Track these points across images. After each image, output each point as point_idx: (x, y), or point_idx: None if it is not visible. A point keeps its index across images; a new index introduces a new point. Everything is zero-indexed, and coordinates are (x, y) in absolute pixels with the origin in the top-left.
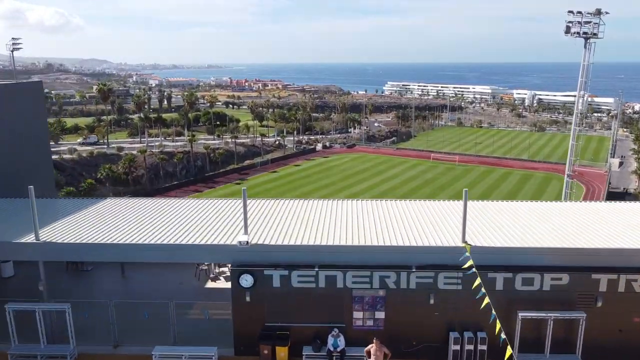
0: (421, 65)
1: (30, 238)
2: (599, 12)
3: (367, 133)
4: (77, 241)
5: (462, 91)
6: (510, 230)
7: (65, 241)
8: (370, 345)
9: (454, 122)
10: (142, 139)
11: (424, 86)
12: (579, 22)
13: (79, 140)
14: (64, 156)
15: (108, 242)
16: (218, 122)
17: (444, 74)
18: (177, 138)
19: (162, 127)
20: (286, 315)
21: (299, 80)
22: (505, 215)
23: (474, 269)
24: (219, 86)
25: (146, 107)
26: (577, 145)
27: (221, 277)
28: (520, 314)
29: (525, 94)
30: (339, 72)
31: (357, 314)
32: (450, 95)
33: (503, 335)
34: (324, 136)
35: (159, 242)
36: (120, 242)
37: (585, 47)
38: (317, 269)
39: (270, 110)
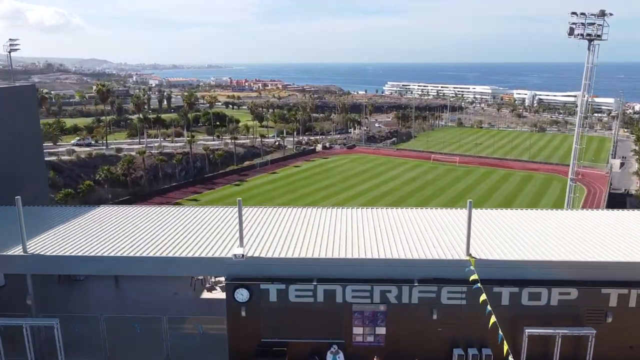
0: (421, 65)
1: (17, 250)
2: (603, 14)
3: (367, 134)
4: (67, 253)
5: (462, 91)
6: (516, 241)
7: (54, 253)
8: None
9: (454, 122)
10: (141, 140)
11: (424, 86)
12: (583, 24)
13: (72, 142)
14: (62, 157)
15: (98, 254)
16: (218, 123)
17: (444, 74)
18: (176, 139)
19: (161, 128)
20: (283, 330)
21: (299, 80)
22: (510, 225)
23: (479, 284)
24: (219, 86)
25: (146, 107)
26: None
27: (217, 287)
28: (527, 331)
29: (526, 94)
30: (339, 72)
31: (357, 330)
32: (451, 95)
33: (511, 359)
34: (323, 137)
35: (150, 254)
36: (110, 254)
37: (589, 49)
38: (315, 283)
39: (270, 110)
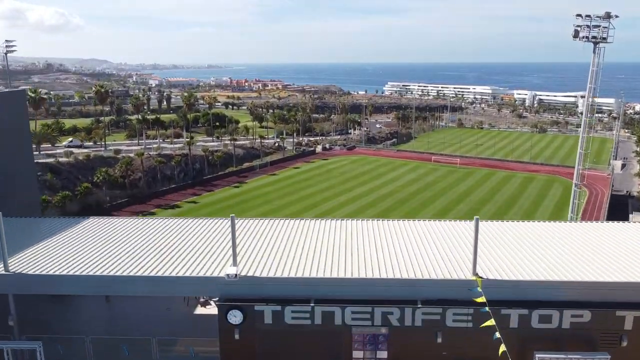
0: (421, 65)
1: None
2: (608, 16)
3: (367, 134)
4: (51, 271)
5: (462, 91)
6: (525, 259)
7: (37, 271)
8: None
9: (455, 123)
10: (140, 141)
11: (424, 86)
12: (588, 26)
13: (64, 143)
14: (60, 159)
15: (84, 272)
16: (217, 123)
17: (444, 74)
18: (175, 140)
19: (160, 129)
20: (279, 354)
21: (299, 80)
22: (516, 239)
23: (487, 308)
24: (219, 86)
25: (145, 108)
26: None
27: (212, 302)
28: (537, 355)
29: (526, 94)
30: (339, 72)
31: (357, 354)
32: (451, 95)
33: None
34: (323, 137)
35: (139, 273)
36: (96, 272)
37: (594, 51)
38: (312, 304)
39: (270, 111)
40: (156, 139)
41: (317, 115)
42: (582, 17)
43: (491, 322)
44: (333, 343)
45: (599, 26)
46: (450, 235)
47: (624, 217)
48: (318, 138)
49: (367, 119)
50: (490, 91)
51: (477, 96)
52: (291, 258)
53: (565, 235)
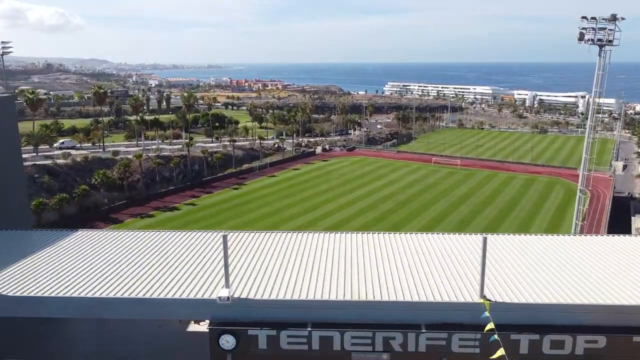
0: (421, 65)
1: None
2: (614, 18)
3: (367, 135)
4: (33, 293)
5: (463, 91)
6: (535, 278)
7: (19, 293)
8: None
9: (455, 123)
10: (138, 142)
11: (424, 87)
12: (593, 29)
13: (55, 145)
14: (58, 161)
15: (67, 294)
16: (217, 124)
17: (444, 74)
18: (175, 141)
19: (159, 130)
20: None
21: (299, 80)
22: (526, 256)
23: (495, 336)
24: (219, 86)
25: (145, 108)
26: (580, 148)
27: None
28: None
29: (526, 94)
30: (339, 72)
31: None
32: (451, 95)
33: None
34: (323, 138)
35: (126, 294)
36: (80, 294)
37: (600, 55)
38: (310, 329)
39: (270, 111)
40: (155, 141)
41: (317, 116)
42: (587, 19)
43: (501, 351)
44: None
45: (605, 29)
46: (455, 251)
47: (627, 220)
48: (318, 139)
49: (367, 119)
50: (490, 91)
51: (477, 96)
52: (287, 278)
53: (576, 250)
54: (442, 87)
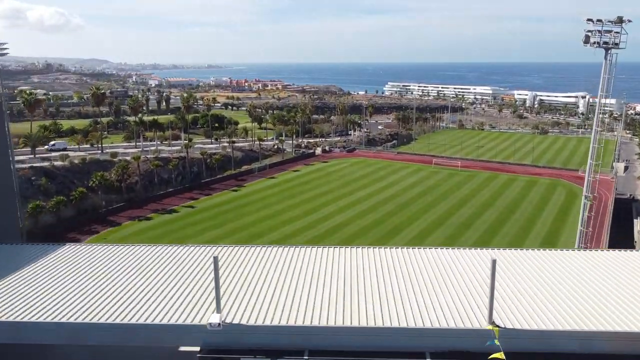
0: (421, 65)
1: None
2: (620, 20)
3: (367, 136)
4: (11, 317)
5: (463, 92)
6: (547, 302)
7: None
8: None
9: (455, 124)
10: (137, 144)
11: (424, 87)
12: (599, 32)
13: (45, 147)
14: (55, 163)
15: (48, 319)
16: (216, 125)
17: (444, 74)
18: (174, 142)
19: (158, 131)
20: None
21: (299, 80)
22: (537, 276)
23: None
24: (219, 86)
25: (144, 108)
26: (581, 149)
27: None
28: None
29: (527, 94)
30: (339, 72)
31: None
32: (451, 96)
33: None
34: (323, 139)
35: (109, 319)
36: (62, 319)
37: (605, 58)
38: (307, 357)
39: (269, 112)
40: (154, 141)
41: (316, 116)
42: (592, 22)
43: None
44: None
45: (611, 31)
46: (461, 269)
47: (629, 222)
48: (318, 140)
49: (367, 120)
50: (490, 91)
51: (477, 96)
52: (282, 301)
53: (591, 268)
54: (442, 87)
